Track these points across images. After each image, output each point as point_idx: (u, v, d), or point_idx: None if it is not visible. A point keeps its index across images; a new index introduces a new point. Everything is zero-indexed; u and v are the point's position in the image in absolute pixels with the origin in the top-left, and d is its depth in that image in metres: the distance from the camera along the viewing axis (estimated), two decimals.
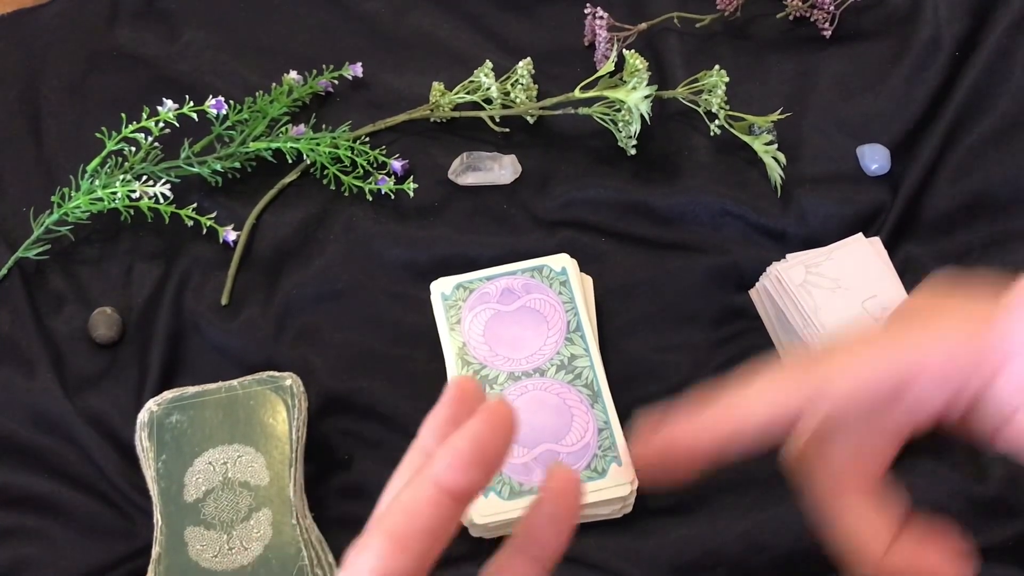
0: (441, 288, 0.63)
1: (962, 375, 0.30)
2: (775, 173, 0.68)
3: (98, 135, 0.70)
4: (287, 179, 0.72)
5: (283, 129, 0.73)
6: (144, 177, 0.69)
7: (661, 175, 0.71)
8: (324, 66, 0.77)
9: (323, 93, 0.77)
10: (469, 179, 0.71)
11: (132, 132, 0.69)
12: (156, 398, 0.59)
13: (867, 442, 0.34)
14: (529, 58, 0.73)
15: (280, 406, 0.59)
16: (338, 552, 0.56)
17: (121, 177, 0.68)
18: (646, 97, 0.66)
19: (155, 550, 0.55)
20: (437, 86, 0.74)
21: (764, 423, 0.30)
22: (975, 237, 0.68)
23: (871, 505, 0.33)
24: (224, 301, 0.67)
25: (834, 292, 0.60)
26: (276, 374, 0.60)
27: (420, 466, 0.25)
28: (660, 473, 0.31)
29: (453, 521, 0.25)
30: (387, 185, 0.70)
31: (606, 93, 0.67)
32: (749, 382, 0.31)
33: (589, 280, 0.65)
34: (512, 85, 0.72)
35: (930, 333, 0.30)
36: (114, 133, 0.69)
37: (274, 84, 0.76)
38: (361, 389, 0.64)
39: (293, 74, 0.76)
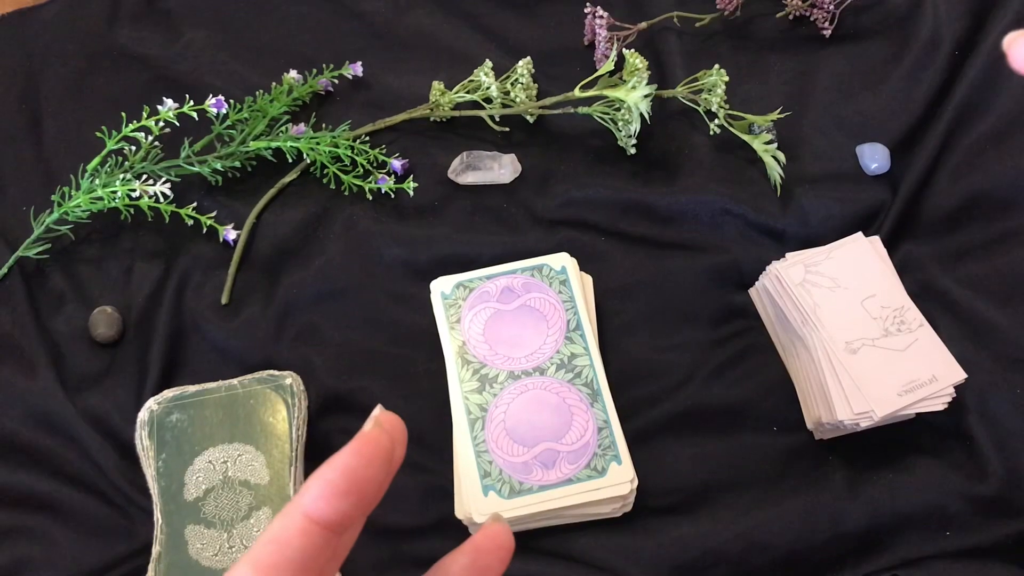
0: (441, 287, 0.63)
1: None
2: (775, 172, 0.68)
3: (98, 134, 0.70)
4: (287, 178, 0.72)
5: (283, 128, 0.73)
6: (144, 176, 0.69)
7: (661, 174, 0.71)
8: (324, 65, 0.77)
9: (323, 92, 0.77)
10: (469, 178, 0.71)
11: (132, 131, 0.69)
12: (156, 397, 0.59)
13: None
14: (529, 57, 0.73)
15: (280, 405, 0.59)
16: None
17: (121, 176, 0.68)
18: (646, 96, 0.66)
19: (155, 549, 0.55)
20: (437, 85, 0.74)
21: None
22: (975, 236, 0.68)
23: None
24: (224, 300, 0.67)
25: (833, 291, 0.60)
26: (276, 373, 0.60)
27: (293, 498, 0.25)
28: None
29: (326, 551, 0.25)
30: (387, 184, 0.71)
31: (606, 92, 0.67)
32: None
33: (589, 279, 0.65)
34: (512, 84, 0.72)
35: None
36: (114, 132, 0.69)
37: (274, 83, 0.76)
38: (361, 388, 0.64)
39: (293, 73, 0.76)
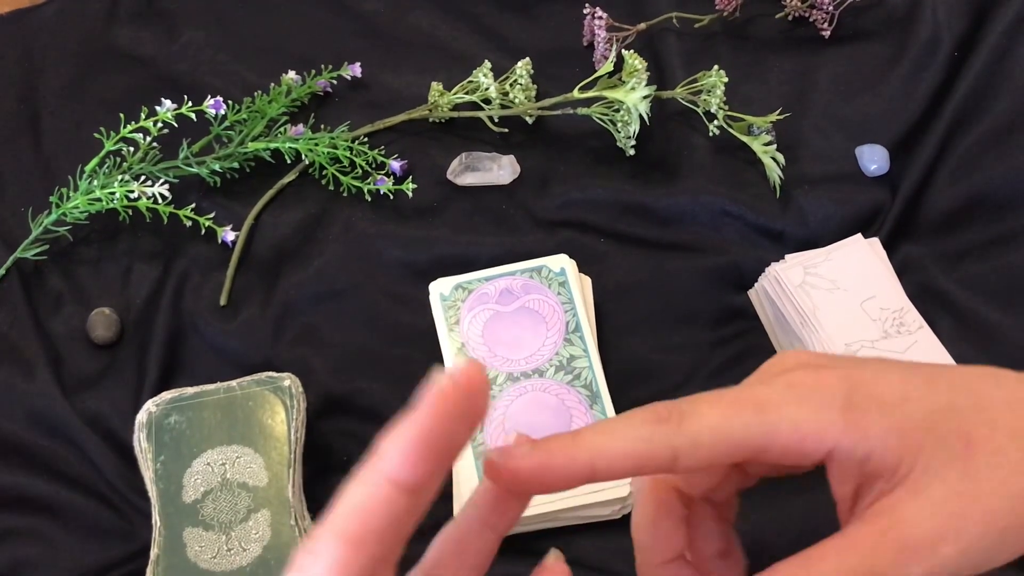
0: (440, 289, 0.63)
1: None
2: (774, 173, 0.68)
3: (97, 135, 0.70)
4: (286, 179, 0.72)
5: (282, 129, 0.73)
6: (142, 177, 0.69)
7: (660, 175, 0.71)
8: (323, 66, 0.77)
9: (322, 93, 0.77)
10: (468, 179, 0.71)
11: (130, 132, 0.69)
12: (155, 399, 0.59)
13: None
14: (528, 58, 0.73)
15: (279, 407, 0.58)
16: None
17: (119, 177, 0.68)
18: (645, 97, 0.66)
19: (154, 551, 0.55)
20: (436, 86, 0.74)
21: (622, 463, 0.28)
22: (975, 237, 0.67)
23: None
24: (223, 302, 0.67)
25: (832, 293, 0.60)
26: (275, 375, 0.60)
27: (368, 462, 0.23)
28: (528, 486, 0.29)
29: (411, 518, 0.24)
30: (386, 185, 0.70)
31: (605, 93, 0.67)
32: (616, 421, 0.28)
33: (588, 280, 0.65)
34: (511, 85, 0.72)
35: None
36: (112, 133, 0.69)
37: (273, 84, 0.76)
38: (360, 390, 0.64)
39: (292, 74, 0.76)
